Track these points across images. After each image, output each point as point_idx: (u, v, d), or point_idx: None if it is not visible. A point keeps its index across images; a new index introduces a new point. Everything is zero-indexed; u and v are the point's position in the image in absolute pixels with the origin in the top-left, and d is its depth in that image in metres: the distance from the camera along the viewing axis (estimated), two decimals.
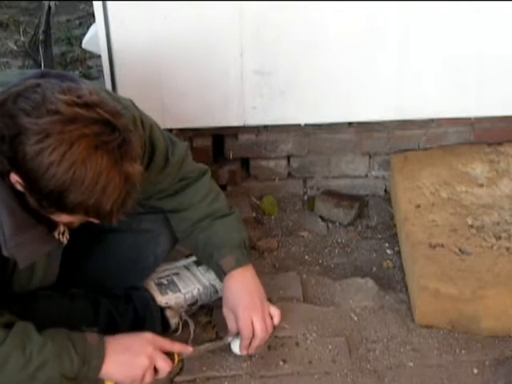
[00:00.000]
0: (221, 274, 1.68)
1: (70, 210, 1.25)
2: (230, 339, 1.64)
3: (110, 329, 1.62)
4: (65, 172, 1.19)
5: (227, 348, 1.67)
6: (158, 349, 1.48)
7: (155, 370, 1.48)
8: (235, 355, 1.67)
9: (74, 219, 1.32)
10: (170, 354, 1.51)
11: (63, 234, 1.45)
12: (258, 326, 1.60)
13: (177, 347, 1.54)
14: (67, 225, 1.39)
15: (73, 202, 1.22)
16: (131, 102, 1.55)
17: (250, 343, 1.62)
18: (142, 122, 1.52)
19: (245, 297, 1.63)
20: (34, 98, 1.21)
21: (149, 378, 1.46)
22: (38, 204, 1.26)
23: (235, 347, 1.64)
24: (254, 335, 1.61)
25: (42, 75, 1.33)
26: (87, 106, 1.22)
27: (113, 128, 1.22)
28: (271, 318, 1.65)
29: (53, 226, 1.38)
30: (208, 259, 1.72)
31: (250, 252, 1.72)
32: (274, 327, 1.66)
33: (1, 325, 1.35)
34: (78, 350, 1.38)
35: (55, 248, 1.45)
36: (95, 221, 1.30)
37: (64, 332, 1.40)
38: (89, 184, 1.20)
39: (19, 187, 1.26)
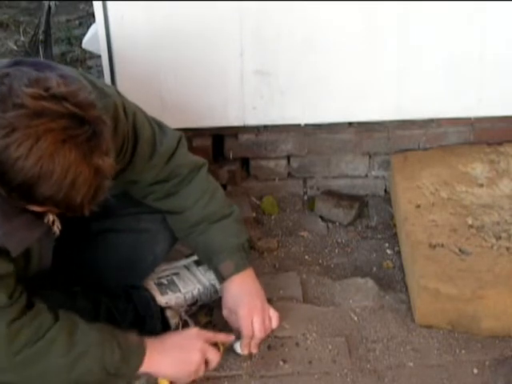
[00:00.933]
0: (220, 279, 1.69)
1: (39, 203, 1.24)
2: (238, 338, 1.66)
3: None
4: (32, 166, 1.18)
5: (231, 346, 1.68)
6: (206, 342, 1.54)
7: (206, 363, 1.54)
8: (235, 355, 1.67)
9: (47, 210, 1.32)
10: (215, 345, 1.58)
11: (53, 223, 1.45)
12: (257, 327, 1.62)
13: (220, 337, 1.61)
14: (43, 212, 1.37)
15: (42, 196, 1.21)
16: (115, 89, 1.55)
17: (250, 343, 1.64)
18: (125, 109, 1.50)
19: (245, 298, 1.65)
20: (0, 90, 1.20)
21: (202, 370, 1.53)
22: (8, 196, 1.24)
23: (237, 347, 1.65)
24: (252, 336, 1.63)
25: (16, 63, 1.32)
26: (55, 98, 1.20)
27: (81, 121, 1.21)
28: (270, 319, 1.66)
29: (40, 213, 1.37)
30: (208, 263, 1.73)
31: (249, 254, 1.73)
32: (272, 329, 1.68)
33: (49, 309, 1.39)
34: (120, 345, 1.42)
35: (45, 233, 1.43)
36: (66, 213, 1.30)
37: (108, 327, 1.45)
38: (57, 178, 1.19)
39: None
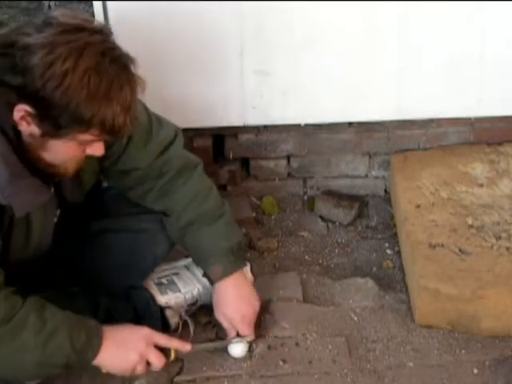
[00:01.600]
0: (210, 282, 1.71)
1: (87, 124, 1.24)
2: (233, 341, 1.66)
3: None
4: (80, 80, 1.19)
5: (226, 348, 1.67)
6: (152, 345, 1.50)
7: (149, 363, 1.50)
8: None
9: (79, 151, 1.32)
10: (166, 350, 1.53)
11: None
12: (241, 328, 1.66)
13: (174, 343, 1.55)
14: (63, 172, 1.38)
15: (90, 113, 1.22)
16: None
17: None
18: None
19: (235, 300, 1.66)
20: (33, 22, 1.24)
21: (140, 370, 1.49)
22: (54, 126, 1.24)
23: (233, 350, 1.65)
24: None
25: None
26: (85, 19, 1.27)
27: (112, 39, 1.28)
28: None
29: (46, 182, 1.38)
30: (198, 265, 1.74)
31: (240, 255, 1.72)
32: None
33: (16, 293, 1.38)
34: (84, 325, 1.43)
35: (50, 203, 1.44)
36: (100, 150, 1.32)
37: (70, 312, 1.44)
38: (104, 91, 1.21)
39: (25, 126, 1.25)
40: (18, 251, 1.47)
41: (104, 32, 1.28)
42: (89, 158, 1.38)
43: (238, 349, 1.66)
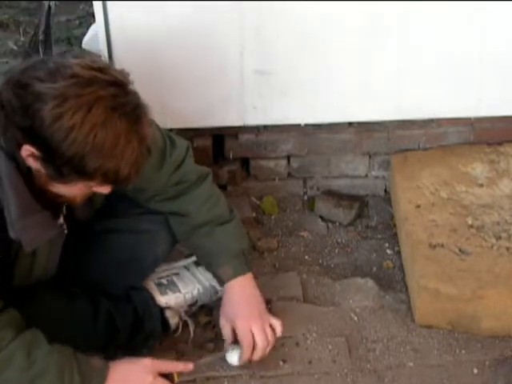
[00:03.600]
0: (220, 283, 1.70)
1: (89, 175, 1.25)
2: (230, 349, 1.63)
3: (110, 329, 1.63)
4: (86, 135, 1.20)
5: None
6: (156, 374, 1.46)
7: None
8: None
9: (86, 190, 1.33)
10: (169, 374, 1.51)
11: (62, 225, 1.46)
12: (258, 337, 1.60)
13: (178, 367, 1.53)
14: (72, 201, 1.39)
15: (93, 166, 1.23)
16: None
17: (252, 354, 1.61)
18: None
19: (243, 308, 1.63)
20: (45, 66, 1.23)
21: None
22: (57, 173, 1.25)
23: (231, 358, 1.63)
24: (254, 346, 1.60)
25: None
26: (101, 69, 1.25)
27: (126, 91, 1.25)
28: (273, 329, 1.64)
29: (55, 213, 1.39)
30: (207, 266, 1.73)
31: (248, 260, 1.72)
32: (276, 338, 1.65)
33: (10, 324, 1.35)
34: (81, 369, 1.37)
35: (58, 235, 1.45)
36: (106, 189, 1.32)
37: (71, 349, 1.40)
38: (109, 147, 1.21)
39: (31, 162, 1.26)
40: (22, 279, 1.47)
41: (119, 83, 1.26)
42: None
43: (234, 357, 1.62)
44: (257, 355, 1.61)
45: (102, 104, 1.21)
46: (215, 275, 1.69)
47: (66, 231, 1.49)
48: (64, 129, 1.19)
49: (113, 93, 1.23)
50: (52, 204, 1.37)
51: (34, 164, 1.27)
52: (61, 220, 1.44)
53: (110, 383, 1.40)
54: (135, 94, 1.28)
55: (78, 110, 1.19)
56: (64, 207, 1.45)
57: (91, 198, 1.48)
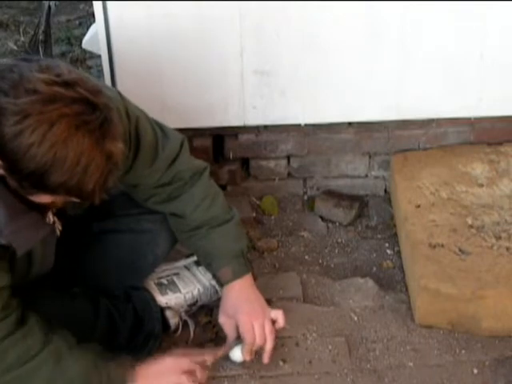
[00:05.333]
0: (219, 284, 1.70)
1: (51, 191, 1.23)
2: (233, 345, 1.64)
3: (110, 329, 1.63)
4: (46, 153, 1.17)
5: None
6: (182, 370, 1.51)
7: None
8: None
9: (56, 199, 1.31)
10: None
11: (54, 223, 1.45)
12: (258, 332, 1.60)
13: (206, 358, 1.57)
14: (50, 205, 1.37)
15: (54, 183, 1.20)
16: (117, 92, 1.53)
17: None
18: (128, 113, 1.50)
19: (244, 304, 1.64)
20: (11, 77, 1.19)
21: None
22: (19, 185, 1.24)
23: (234, 354, 1.63)
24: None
25: (21, 59, 1.30)
26: (67, 84, 1.19)
27: (93, 107, 1.20)
28: (274, 322, 1.64)
29: (43, 212, 1.38)
30: (207, 267, 1.73)
31: (248, 260, 1.71)
32: (277, 330, 1.66)
33: (42, 328, 1.39)
34: (109, 376, 1.42)
35: (49, 234, 1.43)
36: (77, 200, 1.29)
37: (97, 356, 1.43)
38: (70, 164, 1.18)
39: (1, 170, 1.24)
40: (19, 279, 1.46)
41: (84, 100, 1.20)
42: None
43: (237, 353, 1.63)
44: (254, 349, 1.62)
45: (64, 121, 1.17)
46: (215, 277, 1.70)
47: (59, 228, 1.49)
48: (24, 145, 1.16)
49: (76, 110, 1.19)
50: (38, 206, 1.35)
51: (3, 172, 1.25)
52: (50, 218, 1.43)
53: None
54: (104, 109, 1.23)
55: (38, 128, 1.16)
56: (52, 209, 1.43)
57: None
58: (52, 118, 1.16)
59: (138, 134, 1.52)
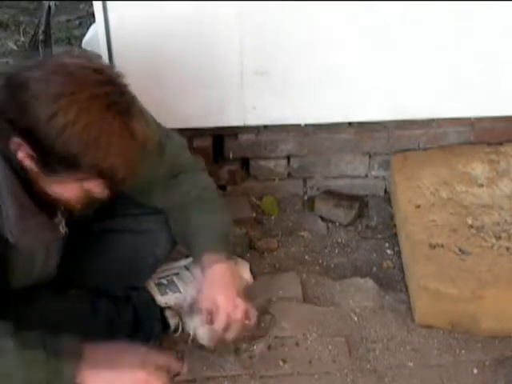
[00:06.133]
0: (196, 260, 1.63)
1: (84, 174, 1.26)
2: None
3: (109, 329, 1.63)
4: (80, 132, 1.20)
5: (227, 348, 1.66)
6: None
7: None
8: (235, 355, 1.67)
9: (82, 191, 1.31)
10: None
11: (60, 227, 1.46)
12: (222, 301, 1.51)
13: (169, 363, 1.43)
14: (71, 205, 1.37)
15: (88, 164, 1.23)
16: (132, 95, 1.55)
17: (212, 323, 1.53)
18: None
19: (218, 282, 1.55)
20: (42, 65, 1.24)
21: None
22: (53, 171, 1.26)
23: (199, 332, 1.57)
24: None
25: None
26: (96, 69, 1.26)
27: (121, 90, 1.27)
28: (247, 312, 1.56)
29: (53, 214, 1.40)
30: (188, 248, 1.68)
31: (231, 246, 1.65)
32: (244, 323, 1.55)
33: None
34: (49, 362, 1.30)
35: (56, 237, 1.45)
36: (104, 191, 1.31)
37: (41, 336, 1.33)
38: (103, 144, 1.22)
39: (28, 162, 1.26)
40: (21, 281, 1.47)
41: (113, 82, 1.27)
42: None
43: (202, 330, 1.56)
44: (217, 323, 1.51)
45: (96, 102, 1.22)
46: (195, 257, 1.63)
47: (65, 232, 1.49)
48: (58, 127, 1.20)
49: (107, 91, 1.24)
50: (49, 207, 1.37)
51: (29, 164, 1.27)
52: (59, 221, 1.44)
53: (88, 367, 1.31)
54: (129, 94, 1.29)
55: (71, 108, 1.20)
56: (62, 209, 1.44)
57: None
58: (84, 99, 1.21)
59: None
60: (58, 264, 1.56)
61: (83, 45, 2.43)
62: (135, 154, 1.28)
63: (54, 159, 1.24)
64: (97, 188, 1.32)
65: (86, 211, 1.53)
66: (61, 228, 1.46)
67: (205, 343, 1.61)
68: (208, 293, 1.55)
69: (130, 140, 1.25)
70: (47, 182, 1.31)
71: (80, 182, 1.29)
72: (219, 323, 1.52)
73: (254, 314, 1.59)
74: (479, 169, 2.13)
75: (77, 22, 3.57)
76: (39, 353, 1.30)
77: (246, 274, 1.84)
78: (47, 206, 1.36)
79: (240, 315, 1.53)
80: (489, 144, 2.23)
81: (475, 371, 1.66)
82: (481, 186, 2.07)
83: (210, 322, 1.53)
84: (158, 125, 1.61)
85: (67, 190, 1.31)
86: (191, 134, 2.17)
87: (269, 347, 1.71)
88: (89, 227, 1.69)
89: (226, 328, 1.52)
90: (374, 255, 2.10)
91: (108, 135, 1.23)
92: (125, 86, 1.29)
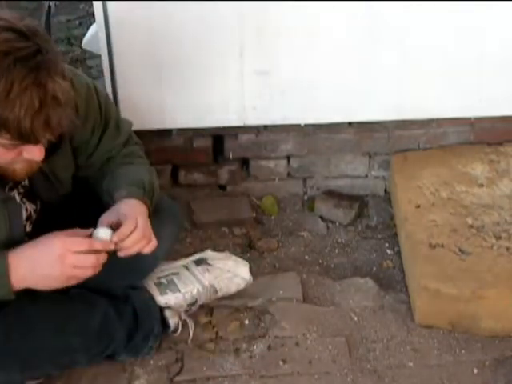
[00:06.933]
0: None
1: None
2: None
3: (109, 329, 1.62)
4: None
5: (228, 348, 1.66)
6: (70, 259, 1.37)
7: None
8: (235, 355, 1.67)
9: (9, 154, 1.28)
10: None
11: (12, 196, 1.44)
12: (141, 221, 1.48)
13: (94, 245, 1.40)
14: (13, 174, 1.35)
15: None
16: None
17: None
18: (97, 90, 1.53)
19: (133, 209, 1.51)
20: None
21: (78, 275, 1.40)
22: None
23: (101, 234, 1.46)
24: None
25: None
26: (14, 28, 1.20)
27: (26, 37, 1.19)
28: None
29: (2, 185, 1.38)
30: (107, 194, 1.62)
31: (149, 194, 1.59)
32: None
33: None
34: None
35: (12, 207, 1.42)
36: (33, 153, 1.27)
37: None
38: (2, 92, 1.16)
39: None
40: None
41: (17, 30, 1.20)
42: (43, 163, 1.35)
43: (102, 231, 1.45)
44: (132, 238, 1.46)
45: (5, 58, 1.16)
46: (108, 198, 1.58)
47: (30, 208, 1.49)
48: None
49: (6, 37, 1.18)
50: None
51: None
52: (10, 191, 1.43)
53: (17, 271, 1.34)
54: (41, 44, 1.20)
55: None
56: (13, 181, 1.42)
57: (53, 175, 1.48)
58: None
59: (108, 110, 1.56)
60: (29, 233, 1.53)
61: (83, 45, 2.44)
62: (45, 105, 1.19)
63: None
64: (30, 149, 1.27)
65: (50, 194, 1.54)
66: (16, 196, 1.45)
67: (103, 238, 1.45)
68: (128, 211, 1.48)
69: (34, 90, 1.18)
70: None
71: (2, 145, 1.24)
72: (125, 228, 1.45)
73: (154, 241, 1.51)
74: (479, 169, 2.13)
75: (77, 22, 3.57)
76: None
77: (246, 274, 1.84)
78: None
79: (149, 241, 1.49)
80: (489, 144, 2.23)
81: (475, 371, 1.66)
82: (481, 186, 2.07)
83: (116, 225, 1.45)
84: (114, 106, 1.63)
85: None
86: (191, 134, 2.18)
87: (269, 347, 1.71)
88: (88, 227, 1.69)
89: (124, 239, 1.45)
90: (374, 255, 2.10)
91: (6, 84, 1.16)
92: (35, 36, 1.20)
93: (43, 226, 1.53)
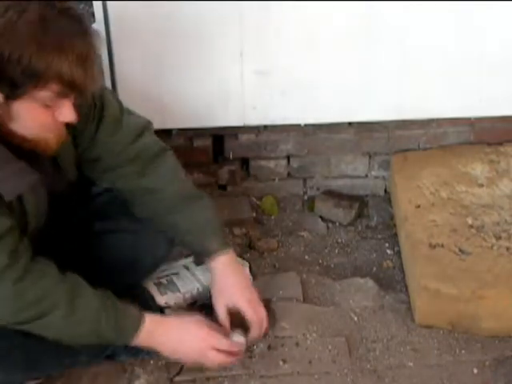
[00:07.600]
0: (202, 257, 1.65)
1: (43, 78, 1.22)
2: (232, 333, 1.60)
3: None
4: (27, 31, 1.18)
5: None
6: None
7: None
8: None
9: (47, 115, 1.29)
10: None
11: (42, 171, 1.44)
12: (248, 310, 1.61)
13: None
14: (45, 144, 1.36)
15: (44, 65, 1.19)
16: None
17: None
18: None
19: (238, 287, 1.62)
20: None
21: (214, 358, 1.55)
22: (11, 85, 1.22)
23: (238, 338, 1.60)
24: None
25: None
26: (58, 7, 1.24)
27: (75, 19, 1.25)
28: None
29: (33, 160, 1.38)
30: (185, 245, 1.69)
31: (227, 236, 1.70)
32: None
33: (54, 269, 1.43)
34: (117, 315, 1.46)
35: (40, 184, 1.43)
36: (70, 113, 1.30)
37: (109, 295, 1.49)
38: (54, 42, 1.20)
39: None
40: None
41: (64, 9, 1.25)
42: (67, 128, 1.37)
43: (241, 338, 1.59)
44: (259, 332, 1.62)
45: (37, 3, 1.20)
46: (195, 254, 1.66)
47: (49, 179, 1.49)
48: (5, 26, 1.17)
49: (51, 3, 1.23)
50: (26, 156, 1.35)
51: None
52: (41, 166, 1.42)
53: (153, 331, 1.50)
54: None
55: (10, 8, 1.18)
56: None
57: (59, 163, 1.49)
58: (23, 2, 1.19)
59: (103, 100, 1.54)
60: (55, 260, 1.55)
61: None
62: (90, 53, 1.25)
63: (9, 70, 1.20)
64: (64, 109, 1.30)
65: (60, 183, 1.54)
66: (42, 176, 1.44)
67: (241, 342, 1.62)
68: (225, 296, 1.62)
69: (79, 37, 1.23)
70: (15, 116, 1.27)
71: (42, 95, 1.25)
72: (256, 333, 1.62)
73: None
74: (479, 169, 2.13)
75: None
76: (110, 309, 1.47)
77: (246, 274, 1.84)
78: (23, 156, 1.34)
79: (266, 323, 1.64)
80: (489, 144, 2.23)
81: (475, 371, 1.66)
82: (481, 186, 2.07)
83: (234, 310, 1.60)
84: (120, 103, 1.61)
85: (32, 114, 1.28)
86: (191, 134, 2.17)
87: (269, 347, 1.71)
88: (89, 227, 1.69)
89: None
90: (374, 255, 2.10)
91: (56, 32, 1.20)
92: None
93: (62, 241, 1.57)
